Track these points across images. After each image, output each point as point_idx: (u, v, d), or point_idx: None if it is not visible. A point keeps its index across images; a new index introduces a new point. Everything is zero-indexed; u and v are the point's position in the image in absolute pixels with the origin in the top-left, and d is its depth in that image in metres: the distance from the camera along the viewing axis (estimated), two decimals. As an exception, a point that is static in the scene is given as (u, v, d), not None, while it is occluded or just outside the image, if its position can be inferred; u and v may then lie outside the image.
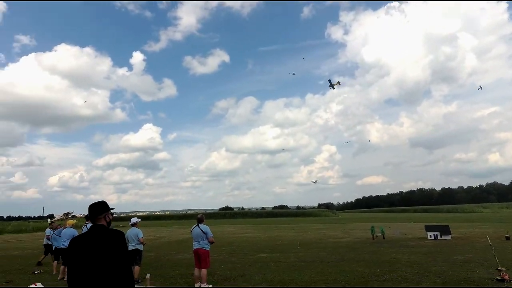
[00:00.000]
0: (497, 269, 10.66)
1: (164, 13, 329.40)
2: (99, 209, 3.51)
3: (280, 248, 21.33)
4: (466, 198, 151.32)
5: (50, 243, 15.15)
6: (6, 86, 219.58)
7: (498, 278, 10.22)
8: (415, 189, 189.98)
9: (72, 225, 12.90)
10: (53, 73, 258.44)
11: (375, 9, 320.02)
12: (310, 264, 14.46)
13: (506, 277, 10.11)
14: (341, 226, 43.84)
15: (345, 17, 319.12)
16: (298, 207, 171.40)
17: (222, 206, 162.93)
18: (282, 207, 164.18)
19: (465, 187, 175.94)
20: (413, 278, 11.07)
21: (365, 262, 14.73)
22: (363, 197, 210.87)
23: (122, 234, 3.43)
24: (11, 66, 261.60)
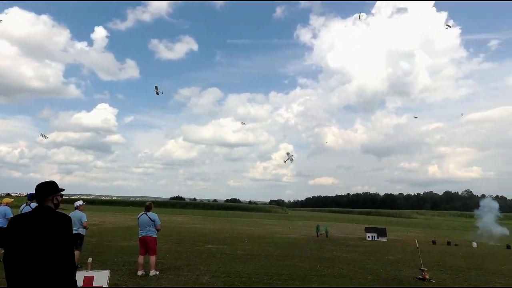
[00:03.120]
0: (420, 269, 11.85)
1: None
2: (48, 189, 3.26)
3: (228, 240, 21.62)
4: (405, 205, 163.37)
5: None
6: None
7: (420, 277, 11.38)
8: (361, 193, 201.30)
9: (7, 203, 12.01)
10: (1, 38, 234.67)
11: (344, 17, 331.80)
12: (255, 258, 14.89)
13: (427, 276, 11.30)
14: (289, 223, 45.31)
15: (315, 21, 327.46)
16: (250, 202, 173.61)
17: (173, 196, 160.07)
18: (234, 200, 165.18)
19: (405, 194, 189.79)
20: (348, 274, 11.92)
21: (307, 258, 15.51)
22: (313, 197, 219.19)
23: (69, 219, 3.22)
24: None
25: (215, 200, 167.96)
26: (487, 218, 34.61)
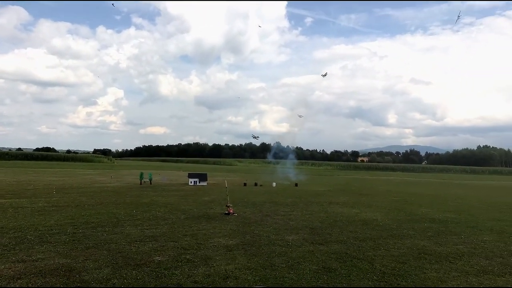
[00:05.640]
0: (226, 205, 13.63)
1: None
2: None
3: (29, 193, 18.49)
4: (229, 154, 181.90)
5: None
6: None
7: (226, 212, 13.13)
8: (192, 143, 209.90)
9: None
10: None
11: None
12: (62, 209, 13.40)
13: (231, 211, 13.14)
14: (113, 173, 42.77)
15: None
16: (68, 151, 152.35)
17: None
18: (48, 149, 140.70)
19: (230, 145, 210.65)
20: (163, 216, 12.44)
21: (125, 204, 15.16)
22: (144, 146, 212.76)
23: None
24: None
25: (19, 149, 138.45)
26: (286, 164, 43.13)
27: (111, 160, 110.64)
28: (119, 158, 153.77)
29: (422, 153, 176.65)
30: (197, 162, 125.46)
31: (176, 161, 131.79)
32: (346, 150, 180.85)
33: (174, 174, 44.01)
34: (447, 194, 27.38)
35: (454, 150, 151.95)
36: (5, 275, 5.93)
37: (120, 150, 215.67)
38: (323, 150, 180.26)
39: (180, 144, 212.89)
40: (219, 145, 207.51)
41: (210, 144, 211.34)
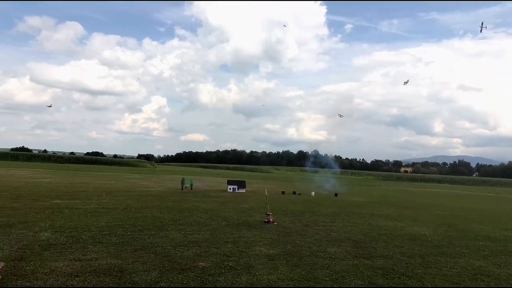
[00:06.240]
0: (266, 214, 13.62)
1: None
2: None
3: (82, 195, 19.78)
4: (266, 161, 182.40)
5: None
6: None
7: (265, 220, 13.12)
8: (230, 150, 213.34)
9: None
10: None
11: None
12: (111, 211, 14.17)
13: (271, 219, 13.10)
14: (156, 177, 44.57)
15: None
16: (115, 156, 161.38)
17: (16, 147, 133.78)
18: (96, 154, 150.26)
19: (267, 152, 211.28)
20: (205, 222, 12.71)
21: (168, 209, 15.70)
22: (184, 152, 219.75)
23: None
24: None
25: (72, 153, 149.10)
26: (324, 173, 42.24)
27: (153, 165, 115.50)
28: (160, 163, 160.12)
29: (473, 164, 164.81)
30: (234, 169, 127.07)
31: (215, 168, 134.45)
32: (388, 160, 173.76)
33: (213, 180, 44.91)
34: (504, 210, 25.25)
35: (509, 161, 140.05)
36: (64, 272, 6.36)
37: (161, 155, 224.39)
38: (362, 159, 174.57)
39: (218, 150, 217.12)
40: (256, 153, 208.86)
41: (247, 151, 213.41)
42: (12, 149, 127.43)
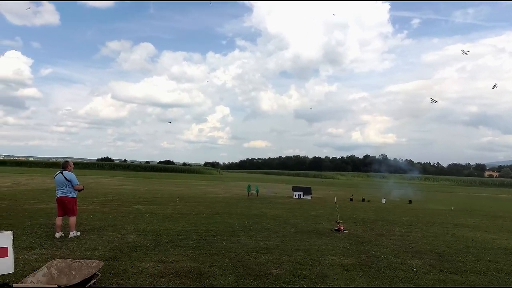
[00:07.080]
0: (336, 221, 13.19)
1: None
2: None
3: (158, 201, 21.34)
4: (330, 167, 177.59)
5: None
6: None
7: (336, 228, 12.70)
8: (292, 156, 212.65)
9: None
10: None
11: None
12: (186, 216, 15.02)
13: (341, 227, 12.64)
14: (222, 184, 46.24)
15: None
16: (184, 164, 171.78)
17: (101, 157, 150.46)
18: (168, 162, 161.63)
19: (330, 157, 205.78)
20: (274, 228, 12.76)
21: (237, 215, 16.13)
22: (247, 159, 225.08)
23: None
24: None
25: (147, 162, 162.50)
26: (394, 178, 39.56)
27: (219, 172, 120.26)
28: (226, 170, 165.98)
29: None
30: (298, 175, 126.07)
31: (279, 174, 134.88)
32: (468, 163, 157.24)
33: (277, 186, 45.09)
34: None
35: None
36: (151, 273, 6.88)
37: (226, 162, 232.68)
38: (437, 163, 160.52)
39: (281, 157, 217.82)
40: (319, 158, 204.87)
41: (310, 156, 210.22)
42: (98, 159, 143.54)
